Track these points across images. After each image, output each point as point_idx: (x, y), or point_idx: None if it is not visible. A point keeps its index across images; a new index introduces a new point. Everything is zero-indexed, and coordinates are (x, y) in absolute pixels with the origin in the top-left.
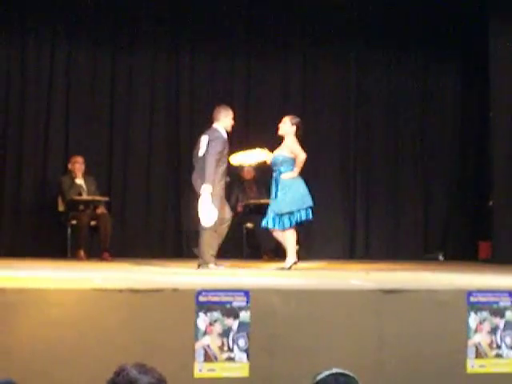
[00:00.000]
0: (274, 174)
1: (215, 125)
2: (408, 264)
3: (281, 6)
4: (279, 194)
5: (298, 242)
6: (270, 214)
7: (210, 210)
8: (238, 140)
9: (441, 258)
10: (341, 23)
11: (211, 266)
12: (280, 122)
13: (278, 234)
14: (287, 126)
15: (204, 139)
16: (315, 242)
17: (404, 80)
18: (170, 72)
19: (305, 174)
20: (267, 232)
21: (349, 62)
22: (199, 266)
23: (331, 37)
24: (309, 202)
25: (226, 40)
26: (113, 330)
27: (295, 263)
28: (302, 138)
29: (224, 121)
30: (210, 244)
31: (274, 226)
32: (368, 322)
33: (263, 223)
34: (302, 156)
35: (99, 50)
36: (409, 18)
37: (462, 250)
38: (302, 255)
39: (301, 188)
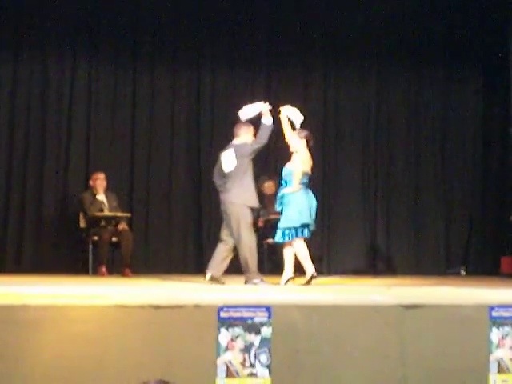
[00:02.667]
0: (282, 187)
1: (235, 141)
2: (429, 279)
3: (301, 25)
4: (283, 208)
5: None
6: (278, 228)
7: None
8: (258, 158)
9: (462, 272)
10: (362, 41)
11: (256, 280)
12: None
13: (285, 248)
14: (296, 142)
15: (229, 153)
16: (336, 257)
17: (425, 97)
18: (191, 89)
19: (326, 188)
20: None
21: (370, 79)
22: (246, 282)
23: (352, 55)
24: (304, 219)
25: (246, 58)
26: (134, 346)
27: (313, 277)
28: (324, 154)
29: (244, 137)
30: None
31: (280, 239)
32: (389, 337)
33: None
34: (297, 170)
35: (120, 68)
36: (430, 35)
37: (483, 264)
38: (323, 271)
39: (299, 204)
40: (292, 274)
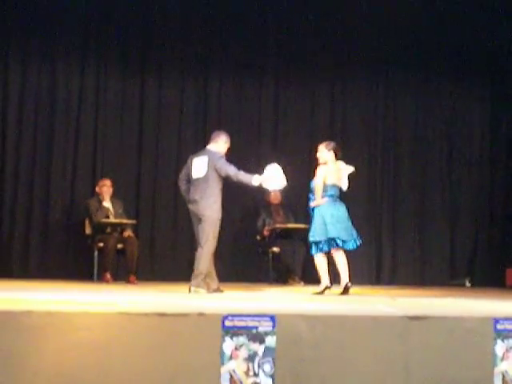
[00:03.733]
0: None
1: (210, 147)
2: (434, 290)
3: (309, 34)
4: (310, 221)
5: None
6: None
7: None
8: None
9: (467, 284)
10: (369, 51)
11: (202, 290)
12: (316, 150)
13: (316, 260)
14: (325, 154)
15: (202, 160)
16: None
17: (432, 106)
18: (199, 97)
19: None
20: (293, 256)
21: (377, 88)
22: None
23: (359, 65)
24: (329, 233)
25: (254, 68)
26: (139, 353)
27: (327, 288)
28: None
29: (222, 146)
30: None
31: (312, 252)
32: (394, 348)
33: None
34: (317, 184)
35: (128, 76)
36: (437, 43)
37: (488, 276)
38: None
39: (324, 218)
40: (328, 283)
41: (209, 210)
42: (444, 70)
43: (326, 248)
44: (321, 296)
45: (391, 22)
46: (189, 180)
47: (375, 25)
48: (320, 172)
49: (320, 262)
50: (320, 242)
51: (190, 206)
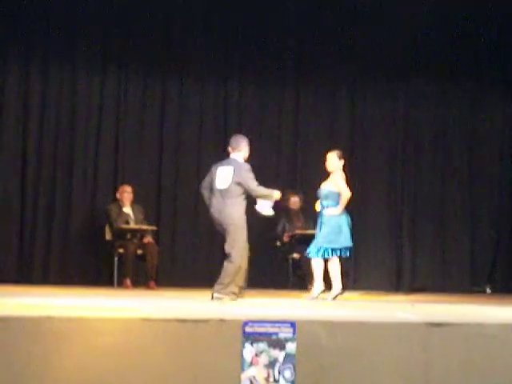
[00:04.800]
0: (321, 207)
1: (235, 155)
2: (455, 296)
3: (329, 43)
4: (322, 227)
5: (343, 274)
6: (312, 244)
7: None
8: (286, 173)
9: (488, 290)
10: (390, 57)
11: (225, 297)
12: (325, 159)
13: (315, 264)
14: (336, 162)
15: (227, 171)
16: (362, 274)
17: (453, 113)
18: (219, 104)
19: (353, 204)
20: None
21: (397, 95)
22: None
23: (380, 70)
24: (345, 242)
25: (274, 72)
26: (159, 359)
27: (341, 293)
28: (351, 170)
29: (245, 152)
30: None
31: (314, 255)
32: (414, 355)
33: (307, 251)
34: (347, 194)
35: (149, 80)
36: (458, 50)
37: (509, 283)
38: (348, 286)
39: (341, 226)
40: (341, 289)
41: (232, 219)
42: (465, 78)
43: (328, 255)
44: (337, 302)
45: (412, 30)
46: (211, 188)
47: (396, 32)
48: (341, 180)
49: (321, 265)
50: (330, 248)
51: (214, 215)
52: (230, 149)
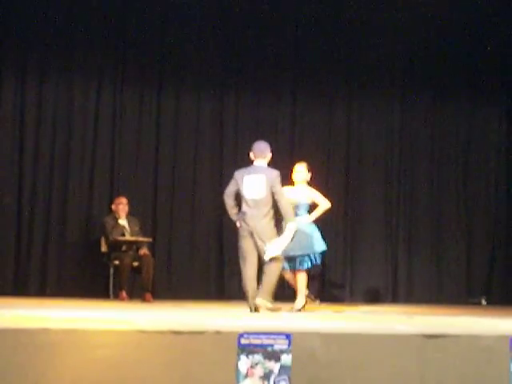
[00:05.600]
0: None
1: (262, 162)
2: (451, 308)
3: (326, 54)
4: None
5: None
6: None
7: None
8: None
9: (484, 302)
10: (386, 68)
11: (269, 304)
12: (291, 170)
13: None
14: (305, 174)
15: (258, 179)
16: (358, 285)
17: (448, 124)
18: (215, 115)
19: (349, 215)
20: (308, 275)
21: (394, 106)
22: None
23: (376, 82)
24: (307, 249)
25: (271, 86)
26: (155, 371)
27: (303, 307)
28: (347, 183)
29: (269, 156)
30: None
31: (286, 267)
32: (410, 367)
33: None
34: (328, 205)
35: (145, 92)
36: (454, 62)
37: (505, 294)
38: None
39: (313, 232)
40: (303, 301)
41: (266, 228)
42: (460, 91)
43: (305, 264)
44: (333, 314)
45: (407, 43)
46: (236, 196)
47: (392, 45)
48: (317, 193)
49: (302, 278)
50: (296, 256)
51: (244, 224)
52: (252, 156)
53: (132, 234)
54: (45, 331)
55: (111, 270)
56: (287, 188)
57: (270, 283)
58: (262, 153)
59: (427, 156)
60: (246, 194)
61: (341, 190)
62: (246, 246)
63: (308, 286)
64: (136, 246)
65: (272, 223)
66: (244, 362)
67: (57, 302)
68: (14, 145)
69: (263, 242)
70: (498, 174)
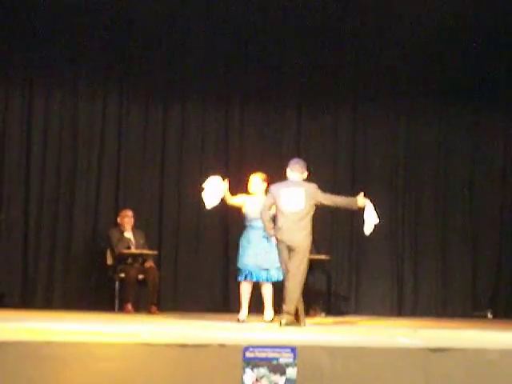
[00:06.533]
0: (250, 229)
1: (299, 178)
2: (456, 321)
3: (332, 64)
4: (258, 248)
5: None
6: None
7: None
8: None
9: (490, 315)
10: (392, 82)
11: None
12: (247, 180)
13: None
14: (260, 185)
15: (297, 192)
16: (363, 299)
17: (454, 139)
18: (220, 127)
19: (355, 229)
20: (314, 288)
21: (399, 119)
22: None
23: (382, 95)
24: (239, 263)
25: (276, 96)
26: None
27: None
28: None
29: (305, 174)
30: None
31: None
32: (415, 380)
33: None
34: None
35: (150, 103)
36: (459, 77)
37: (511, 308)
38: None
39: (242, 247)
40: (241, 314)
41: (303, 241)
42: (466, 101)
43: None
44: (338, 327)
45: (412, 52)
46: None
47: (397, 55)
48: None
49: (241, 290)
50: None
51: (281, 237)
52: (290, 171)
53: (137, 247)
54: (49, 344)
55: (117, 283)
56: (245, 196)
57: (289, 300)
58: (300, 168)
59: (433, 170)
60: (284, 206)
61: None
62: (285, 260)
63: (314, 300)
64: (141, 258)
65: (310, 238)
66: (249, 376)
67: (62, 315)
68: (21, 158)
69: (298, 253)
70: (505, 186)
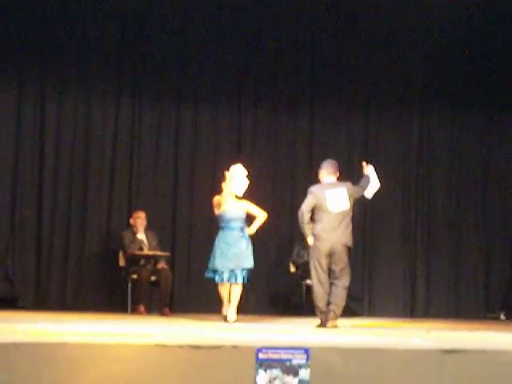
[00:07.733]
0: (227, 229)
1: (333, 179)
2: (469, 323)
3: (344, 67)
4: (234, 248)
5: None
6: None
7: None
8: (301, 197)
9: (502, 317)
10: (404, 85)
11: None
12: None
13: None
14: (243, 185)
15: (340, 193)
16: (376, 300)
17: (467, 143)
18: (233, 128)
19: (368, 232)
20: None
21: (412, 123)
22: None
23: (394, 98)
24: (218, 264)
25: (288, 97)
26: None
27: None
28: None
29: (337, 174)
30: None
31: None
32: (428, 381)
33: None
34: (264, 216)
35: (163, 105)
36: (472, 81)
37: None
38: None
39: (244, 248)
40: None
41: (349, 239)
42: (480, 103)
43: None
44: (351, 329)
45: (425, 55)
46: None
47: (410, 57)
48: (249, 203)
49: (220, 290)
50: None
51: (327, 236)
52: (325, 173)
53: (150, 248)
54: (62, 345)
55: (129, 284)
56: (219, 197)
57: (341, 301)
58: (336, 169)
59: (445, 175)
60: (331, 206)
61: (358, 207)
62: (322, 260)
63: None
64: (154, 260)
65: (351, 233)
66: (262, 377)
67: (75, 316)
68: (34, 161)
69: (336, 252)
70: None
